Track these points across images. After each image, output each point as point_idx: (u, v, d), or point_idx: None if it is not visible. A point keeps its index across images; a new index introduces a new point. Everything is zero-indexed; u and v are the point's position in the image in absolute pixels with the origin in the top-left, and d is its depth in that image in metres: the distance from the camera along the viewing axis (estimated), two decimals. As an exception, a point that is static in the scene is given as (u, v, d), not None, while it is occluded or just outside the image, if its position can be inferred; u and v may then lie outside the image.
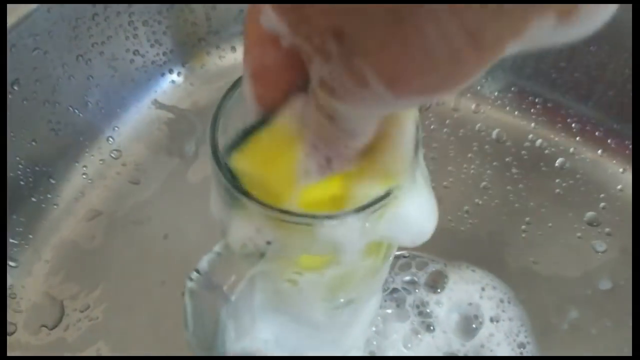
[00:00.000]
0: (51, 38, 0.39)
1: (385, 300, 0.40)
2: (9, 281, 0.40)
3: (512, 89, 0.47)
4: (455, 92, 0.18)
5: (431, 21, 0.14)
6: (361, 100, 0.17)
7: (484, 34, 0.15)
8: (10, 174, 0.40)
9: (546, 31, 0.15)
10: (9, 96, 0.38)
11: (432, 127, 0.47)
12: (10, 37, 0.37)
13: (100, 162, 0.45)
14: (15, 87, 0.38)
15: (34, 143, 0.41)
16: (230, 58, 0.51)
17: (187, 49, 0.49)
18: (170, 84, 0.49)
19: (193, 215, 0.44)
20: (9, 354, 0.38)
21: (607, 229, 0.42)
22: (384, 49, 0.15)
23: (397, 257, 0.41)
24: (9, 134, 0.38)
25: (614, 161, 0.45)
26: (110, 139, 0.46)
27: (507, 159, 0.46)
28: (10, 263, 0.40)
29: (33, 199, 0.42)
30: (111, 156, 0.46)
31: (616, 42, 0.41)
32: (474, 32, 0.14)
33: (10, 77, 0.37)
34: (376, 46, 0.16)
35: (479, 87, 0.48)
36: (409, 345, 0.39)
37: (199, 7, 0.48)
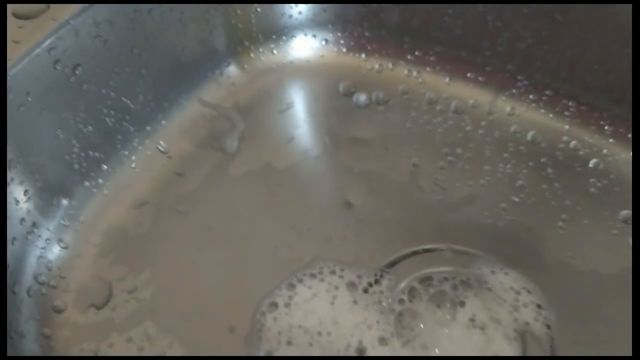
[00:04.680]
0: (112, 28, 0.41)
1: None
2: (59, 263, 0.41)
3: (547, 91, 0.48)
4: None
5: None
6: None
7: None
8: (65, 157, 0.41)
9: None
10: (71, 79, 0.39)
11: (467, 128, 0.49)
12: (76, 23, 0.38)
13: (148, 153, 0.47)
14: (77, 72, 0.40)
15: (90, 128, 0.42)
16: (270, 61, 0.53)
17: (231, 51, 0.51)
18: (215, 83, 0.51)
19: (235, 208, 0.45)
20: (58, 332, 0.39)
21: (644, 227, 0.43)
22: None
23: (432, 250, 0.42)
24: (68, 116, 0.40)
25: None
26: (158, 132, 0.47)
27: (542, 160, 0.47)
28: (60, 245, 0.41)
29: (86, 184, 0.43)
30: (158, 148, 0.47)
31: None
32: None
33: (73, 60, 0.39)
34: None
35: (514, 91, 0.49)
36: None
37: (244, 10, 0.50)
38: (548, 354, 0.38)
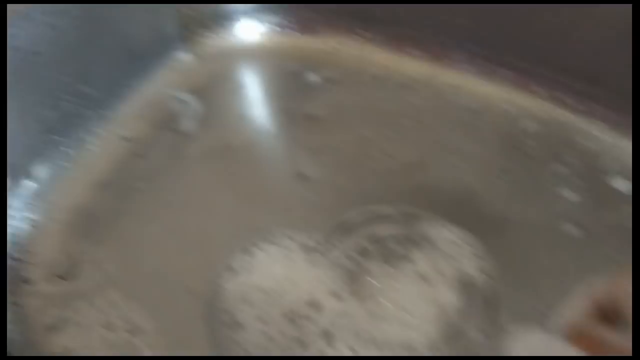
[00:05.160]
0: (67, 17, 0.43)
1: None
2: (28, 239, 0.43)
3: (483, 62, 0.52)
4: None
5: None
6: None
7: None
8: (30, 140, 0.44)
9: None
10: (31, 66, 0.42)
11: (411, 100, 0.52)
12: (29, 11, 0.41)
13: (107, 136, 0.49)
14: (36, 59, 0.42)
15: (51, 112, 0.45)
16: (221, 45, 0.56)
17: (182, 36, 0.54)
18: (168, 68, 0.53)
19: (194, 184, 0.48)
20: (27, 300, 0.41)
21: (577, 181, 0.46)
22: None
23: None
24: (30, 100, 0.42)
25: (584, 122, 0.49)
26: (116, 116, 0.50)
27: (480, 125, 0.50)
28: (28, 222, 0.44)
29: (50, 165, 0.46)
30: (116, 131, 0.49)
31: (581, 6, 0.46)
32: None
33: (31, 48, 0.42)
34: None
35: (453, 63, 0.52)
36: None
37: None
38: (489, 302, 0.41)
